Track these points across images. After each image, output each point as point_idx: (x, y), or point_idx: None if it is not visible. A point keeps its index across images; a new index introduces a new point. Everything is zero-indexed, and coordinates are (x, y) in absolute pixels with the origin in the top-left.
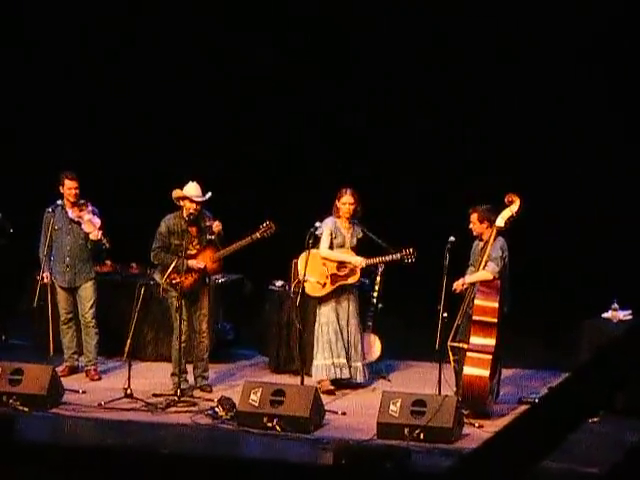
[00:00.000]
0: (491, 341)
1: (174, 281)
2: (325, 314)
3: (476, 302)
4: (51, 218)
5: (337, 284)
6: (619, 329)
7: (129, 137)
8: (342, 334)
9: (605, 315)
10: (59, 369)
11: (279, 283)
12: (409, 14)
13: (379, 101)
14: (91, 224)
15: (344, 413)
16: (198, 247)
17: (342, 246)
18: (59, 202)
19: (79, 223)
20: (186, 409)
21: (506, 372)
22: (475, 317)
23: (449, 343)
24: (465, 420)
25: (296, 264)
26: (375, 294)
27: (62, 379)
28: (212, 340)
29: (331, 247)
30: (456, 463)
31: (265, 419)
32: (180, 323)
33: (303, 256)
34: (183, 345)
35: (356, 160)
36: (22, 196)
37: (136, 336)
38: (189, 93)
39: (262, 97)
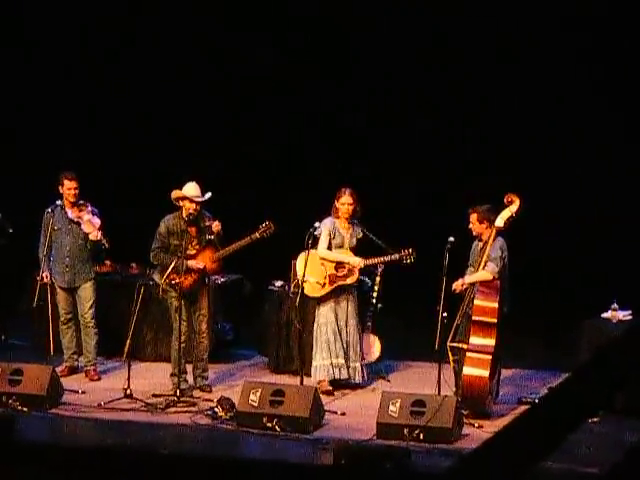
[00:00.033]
0: (491, 341)
1: (173, 281)
2: (324, 314)
3: (476, 302)
4: (51, 218)
5: (335, 284)
6: (619, 329)
7: (129, 137)
8: (341, 334)
9: (605, 315)
10: (59, 369)
11: (279, 283)
12: (409, 14)
13: (379, 101)
14: (91, 224)
15: (344, 413)
16: (197, 247)
17: (341, 246)
18: (59, 202)
19: (79, 223)
20: (186, 409)
21: (506, 372)
22: (475, 317)
23: (449, 343)
24: (465, 420)
25: (295, 264)
26: (375, 294)
27: (62, 379)
28: (212, 340)
29: (329, 248)
30: (456, 463)
31: (265, 419)
32: (180, 323)
33: (302, 256)
34: (183, 345)
35: (356, 160)
36: (22, 196)
37: (135, 336)
38: (189, 93)
39: (262, 97)
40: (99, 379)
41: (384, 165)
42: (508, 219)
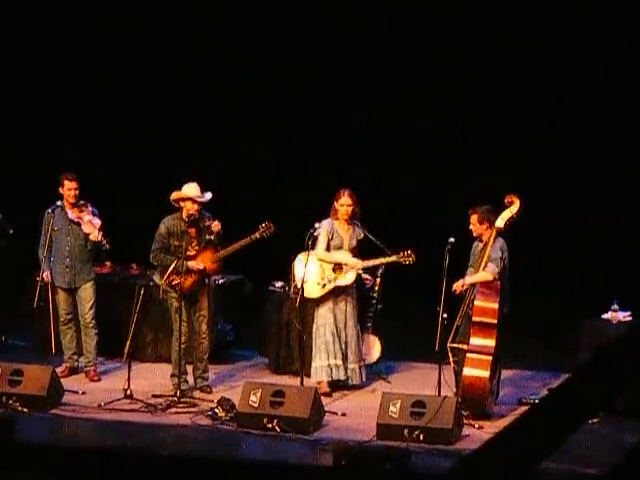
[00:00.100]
0: (491, 342)
1: (174, 282)
2: (322, 315)
3: (476, 303)
4: (51, 219)
5: (333, 285)
6: (619, 330)
7: (129, 137)
8: (339, 336)
9: (605, 316)
10: (59, 370)
11: (279, 284)
12: (409, 14)
13: (379, 101)
14: (91, 225)
15: (344, 414)
16: (197, 248)
17: (340, 248)
18: (59, 203)
19: (79, 224)
20: (186, 410)
21: (506, 373)
22: (475, 318)
23: (449, 344)
24: (465, 421)
25: (294, 266)
26: (375, 295)
27: (62, 380)
28: (212, 341)
29: (328, 249)
30: (456, 464)
31: (265, 420)
32: (180, 324)
33: (301, 258)
34: (183, 346)
35: (356, 160)
36: (22, 196)
37: (136, 337)
38: (189, 93)
39: (262, 97)
40: (99, 380)
41: (384, 165)
42: (508, 220)
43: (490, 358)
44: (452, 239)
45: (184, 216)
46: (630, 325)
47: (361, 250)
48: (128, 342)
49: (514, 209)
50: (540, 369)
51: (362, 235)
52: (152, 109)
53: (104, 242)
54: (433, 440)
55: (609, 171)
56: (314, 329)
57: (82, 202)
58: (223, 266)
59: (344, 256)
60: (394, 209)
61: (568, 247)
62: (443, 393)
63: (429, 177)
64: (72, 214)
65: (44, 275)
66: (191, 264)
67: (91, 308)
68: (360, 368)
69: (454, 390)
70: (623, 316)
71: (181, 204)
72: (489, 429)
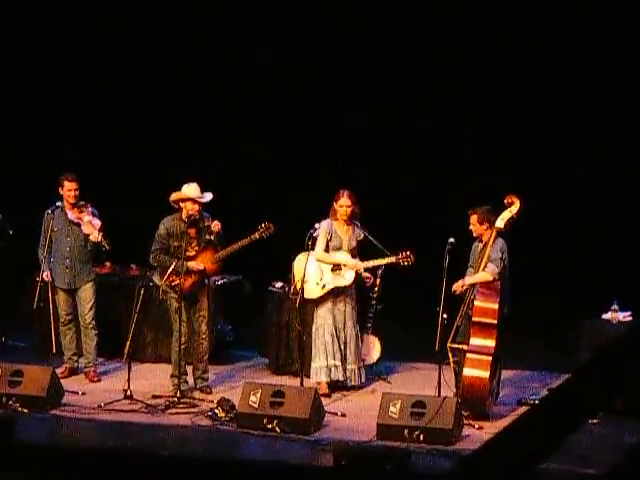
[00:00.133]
0: (491, 342)
1: (173, 283)
2: (321, 316)
3: (476, 303)
4: (51, 219)
5: (332, 286)
6: (619, 330)
7: (129, 137)
8: (338, 336)
9: (605, 316)
10: (59, 370)
11: (279, 284)
12: (409, 14)
13: (379, 101)
14: (91, 225)
15: (344, 414)
16: (197, 248)
17: (339, 248)
18: (59, 203)
19: (79, 225)
20: (186, 410)
21: (506, 373)
22: (475, 318)
23: (449, 344)
24: (465, 421)
25: (293, 266)
26: (375, 295)
27: (62, 380)
28: (212, 341)
29: (327, 249)
30: (456, 464)
31: (265, 420)
32: (180, 325)
33: (301, 258)
34: (183, 347)
35: (356, 160)
36: (22, 197)
37: (136, 337)
38: (189, 93)
39: (262, 97)
40: (99, 380)
41: (384, 165)
42: (508, 220)
43: (490, 358)
44: (452, 239)
45: (184, 217)
46: (630, 325)
47: (360, 251)
48: (128, 343)
49: (514, 209)
50: (540, 369)
51: (362, 235)
52: (152, 109)
53: (104, 243)
54: (433, 440)
55: (609, 171)
56: (313, 330)
57: (82, 203)
58: (223, 266)
59: (343, 257)
60: (394, 209)
61: (568, 247)
62: (443, 393)
63: (429, 177)
64: (72, 215)
65: (44, 275)
66: (191, 264)
67: (91, 309)
68: (359, 369)
69: (454, 390)
70: (623, 316)
71: (181, 205)
72: (489, 429)
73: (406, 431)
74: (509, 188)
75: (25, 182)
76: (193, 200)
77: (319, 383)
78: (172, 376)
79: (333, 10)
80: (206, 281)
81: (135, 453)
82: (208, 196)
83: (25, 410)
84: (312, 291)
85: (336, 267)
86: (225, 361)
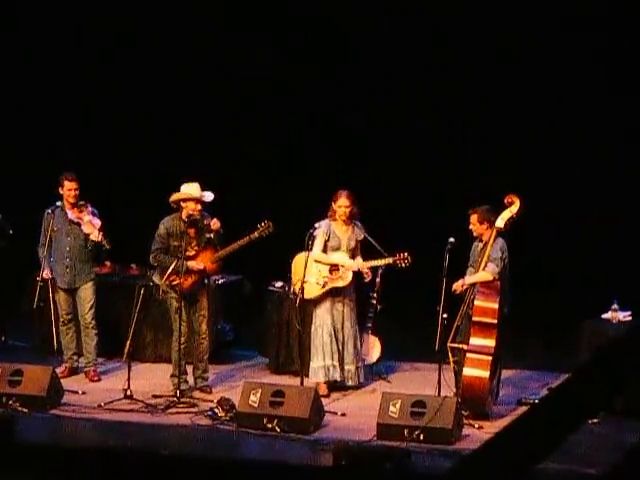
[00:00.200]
0: (491, 342)
1: (173, 282)
2: (320, 316)
3: (476, 303)
4: (51, 219)
5: (329, 286)
6: (619, 330)
7: (129, 137)
8: (336, 337)
9: (605, 316)
10: (59, 370)
11: (279, 284)
12: (409, 14)
13: (379, 101)
14: (91, 225)
15: (344, 414)
16: (197, 248)
17: (338, 249)
18: (58, 203)
19: (79, 224)
20: (186, 410)
21: (506, 373)
22: (475, 318)
23: (449, 344)
24: (465, 421)
25: (293, 266)
26: (375, 295)
27: (62, 380)
28: (212, 341)
29: (325, 250)
30: (456, 464)
31: (265, 420)
32: (180, 324)
33: (301, 257)
34: (183, 346)
35: (356, 160)
36: (22, 197)
37: (136, 337)
38: (189, 93)
39: (262, 97)
40: (99, 380)
41: (384, 165)
42: (508, 220)
43: (490, 358)
44: (452, 239)
45: (183, 216)
46: (630, 325)
47: (360, 250)
48: (128, 342)
49: (514, 209)
50: (540, 369)
51: (362, 236)
52: (152, 109)
53: (104, 242)
54: (433, 440)
55: (609, 171)
56: (312, 330)
57: (82, 202)
58: (222, 266)
59: (341, 257)
60: (394, 209)
61: (568, 247)
62: (443, 393)
63: (429, 177)
64: (72, 214)
65: (44, 273)
66: (191, 264)
67: (91, 308)
68: (357, 369)
69: (454, 390)
70: (623, 316)
71: (182, 204)
72: (489, 429)
73: (406, 431)
74: (509, 188)
75: (25, 182)
76: (196, 200)
77: (318, 383)
78: (172, 376)
79: (333, 10)
80: (206, 281)
81: (135, 453)
82: (210, 195)
83: (25, 410)
84: (312, 290)
85: (334, 268)
86: (225, 361)
